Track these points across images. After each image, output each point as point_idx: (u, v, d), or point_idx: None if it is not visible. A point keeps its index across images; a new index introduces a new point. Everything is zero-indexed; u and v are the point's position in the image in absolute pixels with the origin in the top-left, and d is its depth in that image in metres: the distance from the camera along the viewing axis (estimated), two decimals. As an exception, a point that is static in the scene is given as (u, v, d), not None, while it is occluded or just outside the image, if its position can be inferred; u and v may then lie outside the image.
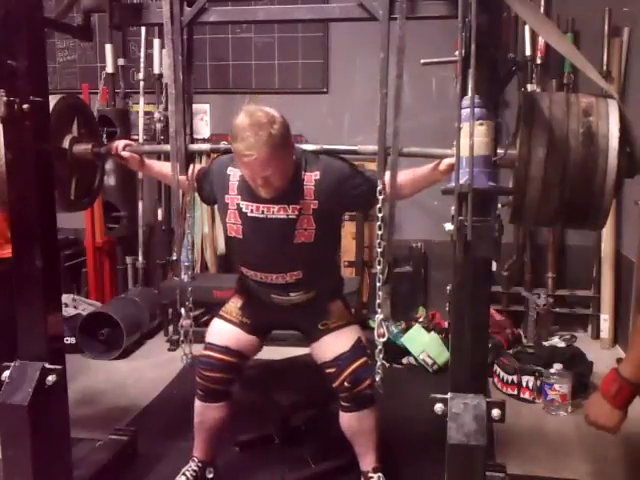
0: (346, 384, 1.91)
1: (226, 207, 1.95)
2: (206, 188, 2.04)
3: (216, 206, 2.07)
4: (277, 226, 1.89)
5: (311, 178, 1.88)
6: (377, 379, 1.89)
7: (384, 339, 1.89)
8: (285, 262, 1.94)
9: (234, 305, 2.10)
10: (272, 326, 2.16)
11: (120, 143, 2.04)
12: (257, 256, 1.95)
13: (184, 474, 2.10)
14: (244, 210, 1.92)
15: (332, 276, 2.14)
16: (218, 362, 2.00)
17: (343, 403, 1.95)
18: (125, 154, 2.02)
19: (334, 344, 1.97)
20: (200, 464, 2.12)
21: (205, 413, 2.06)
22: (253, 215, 1.90)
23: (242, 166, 1.81)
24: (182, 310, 2.08)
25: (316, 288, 2.01)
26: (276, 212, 1.88)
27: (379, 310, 1.87)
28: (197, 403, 2.07)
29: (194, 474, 2.10)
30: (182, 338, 2.07)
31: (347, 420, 1.97)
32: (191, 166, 1.99)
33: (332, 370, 1.94)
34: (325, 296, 2.05)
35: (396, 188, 1.81)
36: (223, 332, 2.06)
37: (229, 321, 2.07)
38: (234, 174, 1.95)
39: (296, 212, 1.87)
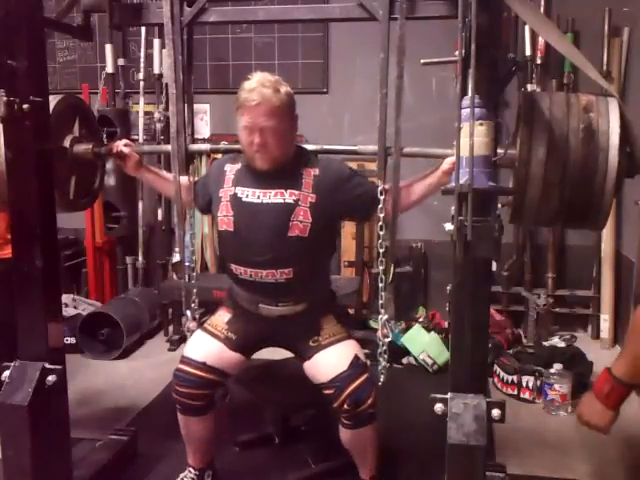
0: (346, 406, 1.80)
1: (219, 201, 1.92)
2: (199, 194, 2.03)
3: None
4: (272, 213, 1.84)
5: (310, 173, 1.87)
6: (381, 380, 1.88)
7: (388, 339, 1.88)
8: (277, 257, 1.85)
9: (220, 318, 2.01)
10: (259, 343, 2.03)
11: (120, 142, 2.04)
12: (248, 249, 1.87)
13: None
14: (239, 195, 1.88)
15: (322, 287, 2.05)
16: (193, 378, 1.90)
17: (344, 421, 1.86)
18: (125, 149, 2.01)
19: (329, 363, 1.87)
20: (197, 472, 2.09)
21: (188, 425, 1.99)
22: (248, 200, 1.86)
23: (243, 116, 1.79)
24: (188, 312, 2.07)
25: (306, 299, 1.94)
26: (272, 197, 1.84)
27: (382, 311, 1.87)
28: (179, 416, 1.99)
29: None
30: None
31: (346, 435, 1.90)
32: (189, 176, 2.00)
33: (330, 392, 1.83)
34: (315, 310, 1.96)
35: (399, 189, 1.81)
36: (204, 346, 1.95)
37: (213, 335, 1.97)
38: (231, 169, 1.95)
39: (293, 197, 1.83)
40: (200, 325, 2.08)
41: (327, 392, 1.85)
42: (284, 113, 1.79)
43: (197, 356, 1.93)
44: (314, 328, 1.94)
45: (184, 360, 1.94)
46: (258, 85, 1.76)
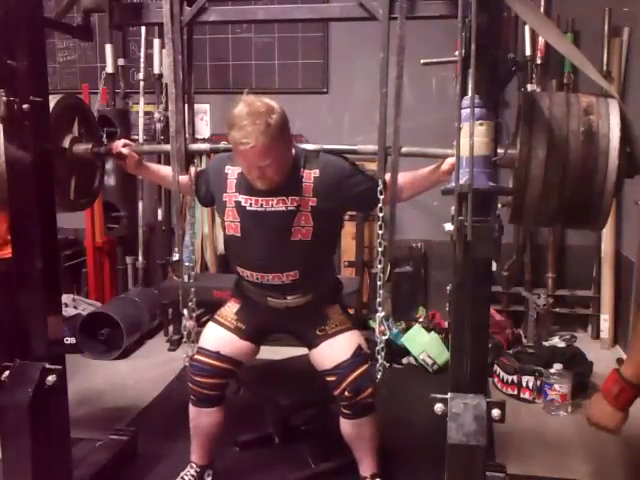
0: (347, 393, 1.88)
1: (224, 205, 1.94)
2: (202, 189, 2.03)
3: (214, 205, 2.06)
4: (276, 220, 1.87)
5: (310, 176, 1.88)
6: (378, 377, 1.89)
7: (385, 337, 1.89)
8: (282, 261, 1.91)
9: (229, 309, 2.08)
10: (268, 332, 2.12)
11: (119, 142, 2.03)
12: (254, 255, 1.92)
13: (182, 478, 2.09)
14: (243, 204, 1.90)
15: (328, 279, 2.11)
16: (209, 367, 1.98)
17: (343, 410, 1.93)
18: (124, 150, 2.00)
19: (334, 351, 1.94)
20: (198, 469, 2.11)
21: (199, 418, 2.04)
22: (252, 209, 1.89)
23: (238, 156, 1.80)
24: (185, 311, 2.08)
25: (313, 291, 1.98)
26: (275, 205, 1.86)
27: (380, 308, 1.88)
28: (191, 408, 2.05)
29: (192, 479, 2.09)
30: (185, 339, 2.07)
31: (347, 426, 1.95)
32: (191, 166, 1.99)
33: (332, 379, 1.91)
34: (322, 300, 2.02)
35: (397, 188, 1.81)
36: (216, 337, 2.03)
37: (223, 325, 2.04)
38: (232, 172, 1.95)
39: (295, 203, 1.85)
40: (199, 325, 2.10)
41: (329, 379, 1.91)
42: (278, 143, 1.75)
43: (211, 346, 2.01)
44: (321, 317, 2.00)
45: (200, 351, 2.01)
46: (249, 123, 1.69)
